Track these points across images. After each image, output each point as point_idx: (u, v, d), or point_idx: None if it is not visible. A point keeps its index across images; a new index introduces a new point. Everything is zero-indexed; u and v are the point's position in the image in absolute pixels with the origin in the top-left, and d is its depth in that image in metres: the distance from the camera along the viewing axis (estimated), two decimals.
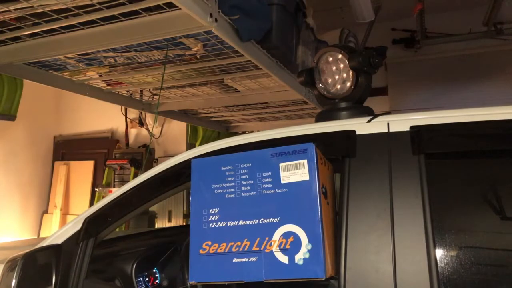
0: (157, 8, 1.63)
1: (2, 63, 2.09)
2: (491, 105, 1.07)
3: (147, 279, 1.88)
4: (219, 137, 4.34)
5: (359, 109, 1.32)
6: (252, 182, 1.02)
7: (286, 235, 0.95)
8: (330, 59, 1.37)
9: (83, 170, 4.94)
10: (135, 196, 1.38)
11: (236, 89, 2.92)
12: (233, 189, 1.03)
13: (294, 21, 2.43)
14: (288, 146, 1.01)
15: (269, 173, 1.01)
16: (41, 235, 4.82)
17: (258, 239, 0.97)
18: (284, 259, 0.94)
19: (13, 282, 1.21)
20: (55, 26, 1.75)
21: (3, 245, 2.19)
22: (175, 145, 4.71)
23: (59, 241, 1.37)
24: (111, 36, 1.77)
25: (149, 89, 3.03)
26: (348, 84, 1.32)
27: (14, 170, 4.68)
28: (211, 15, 1.62)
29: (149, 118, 4.71)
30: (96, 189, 4.56)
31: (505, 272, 0.93)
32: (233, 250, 0.99)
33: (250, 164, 1.03)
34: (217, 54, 2.19)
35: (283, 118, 3.98)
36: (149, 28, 1.70)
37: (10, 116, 2.79)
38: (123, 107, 4.58)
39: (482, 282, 0.94)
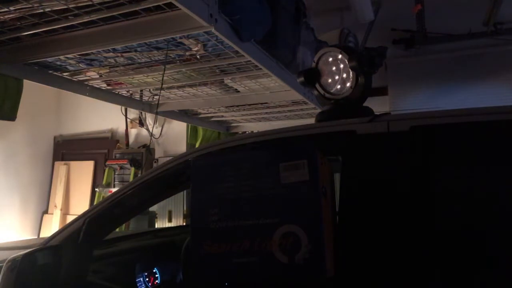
0: (157, 9, 1.63)
1: (2, 63, 2.10)
2: (491, 105, 1.07)
3: (147, 279, 1.88)
4: (219, 137, 4.34)
5: (359, 109, 1.31)
6: (252, 182, 1.02)
7: (286, 235, 0.95)
8: (330, 59, 1.36)
9: (83, 170, 4.94)
10: (135, 196, 1.38)
11: (236, 89, 2.92)
12: (233, 189, 1.03)
13: (294, 21, 2.43)
14: (288, 146, 1.01)
15: (269, 173, 1.01)
16: (41, 235, 4.82)
17: (258, 239, 0.97)
18: (284, 259, 0.94)
19: (13, 282, 1.20)
20: (55, 26, 1.75)
21: (3, 245, 2.19)
22: (175, 145, 4.71)
23: (59, 241, 1.37)
24: (111, 36, 1.77)
25: (149, 89, 3.02)
26: (348, 84, 1.32)
27: (14, 170, 4.68)
28: (211, 15, 1.62)
29: (149, 118, 4.71)
30: (96, 189, 4.56)
31: (505, 273, 0.93)
32: (233, 250, 0.98)
33: (250, 164, 1.03)
34: (217, 55, 2.19)
35: (283, 118, 3.98)
36: (149, 28, 1.71)
37: (10, 116, 2.79)
38: (123, 107, 4.58)
39: (482, 282, 0.94)
